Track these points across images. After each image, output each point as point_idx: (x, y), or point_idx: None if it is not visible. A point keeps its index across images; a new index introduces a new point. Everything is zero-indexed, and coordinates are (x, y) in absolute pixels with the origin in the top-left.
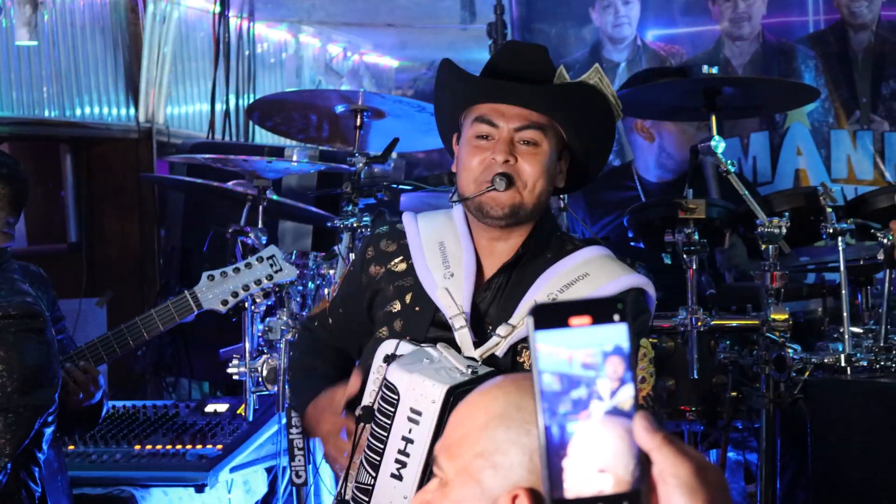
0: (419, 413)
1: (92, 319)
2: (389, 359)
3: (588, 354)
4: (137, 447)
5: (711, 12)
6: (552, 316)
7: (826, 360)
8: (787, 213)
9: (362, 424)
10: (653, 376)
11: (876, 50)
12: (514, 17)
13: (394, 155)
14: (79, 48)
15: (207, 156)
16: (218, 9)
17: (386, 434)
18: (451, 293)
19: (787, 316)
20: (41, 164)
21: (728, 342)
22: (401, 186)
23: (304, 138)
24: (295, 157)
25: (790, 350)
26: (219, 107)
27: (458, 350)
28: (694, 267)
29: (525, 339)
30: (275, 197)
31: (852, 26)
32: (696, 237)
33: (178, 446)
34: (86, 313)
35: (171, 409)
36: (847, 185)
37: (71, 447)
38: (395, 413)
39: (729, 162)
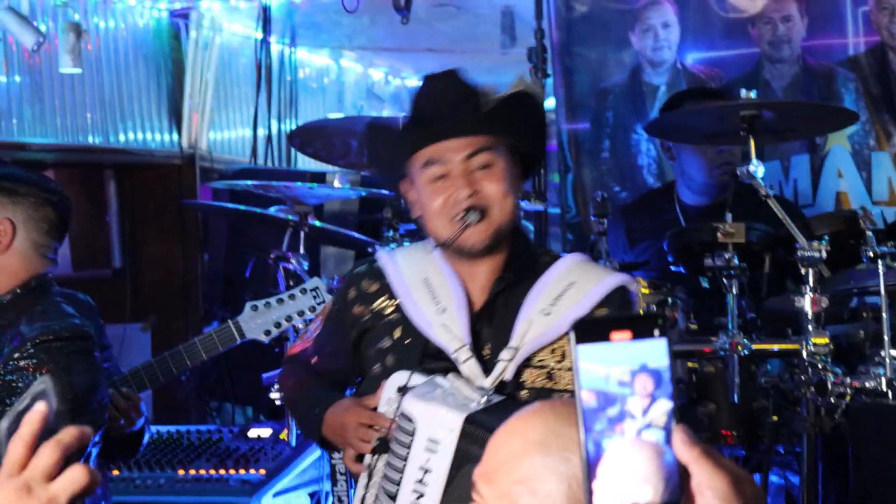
0: (437, 442)
1: (136, 345)
2: (403, 390)
3: (629, 368)
4: (181, 472)
5: (751, 35)
6: (594, 331)
7: (867, 385)
8: (826, 237)
9: (377, 455)
10: None
11: None
12: (554, 41)
13: None
14: (122, 75)
15: (249, 182)
16: (260, 35)
17: (403, 463)
18: (448, 328)
19: (827, 340)
20: (85, 190)
21: (769, 366)
22: None
23: (345, 164)
24: (336, 183)
25: (831, 374)
26: (261, 132)
27: (469, 381)
28: (734, 291)
29: (527, 359)
30: (317, 223)
31: (892, 48)
32: (736, 261)
33: (222, 471)
34: (130, 339)
35: (215, 434)
36: (888, 208)
37: (115, 472)
38: (412, 442)
39: (768, 185)
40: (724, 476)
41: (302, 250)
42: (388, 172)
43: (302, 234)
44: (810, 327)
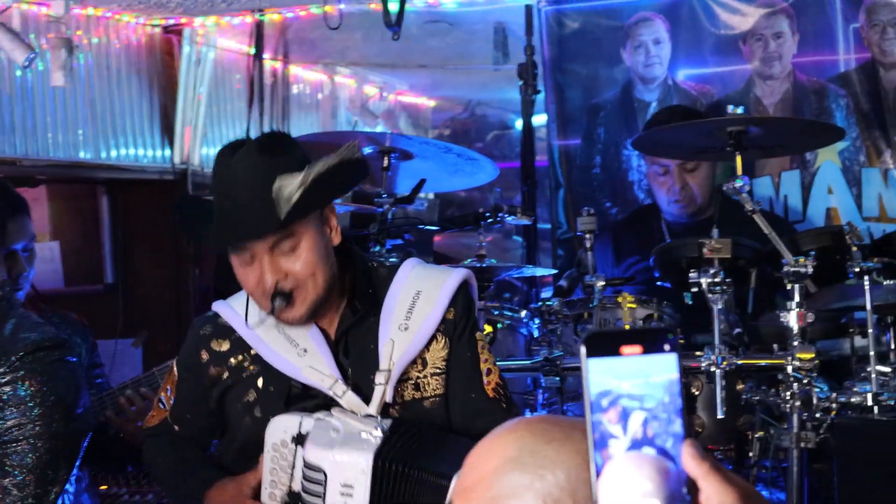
0: (350, 486)
1: (128, 360)
2: (299, 439)
3: (638, 383)
4: None
5: (742, 52)
6: (604, 344)
7: (853, 400)
8: (813, 252)
9: None
10: (496, 366)
11: None
12: (546, 57)
13: (430, 195)
14: (114, 90)
15: None
16: (253, 51)
17: None
18: (316, 368)
19: (813, 355)
20: (77, 205)
21: (755, 382)
22: (428, 227)
23: None
24: None
25: (817, 389)
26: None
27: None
28: (720, 306)
29: (401, 376)
30: None
31: (883, 65)
32: (722, 276)
33: None
34: (122, 354)
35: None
36: (878, 224)
37: (103, 487)
38: (325, 492)
39: (755, 201)
40: (734, 491)
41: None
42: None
43: None
44: (796, 342)
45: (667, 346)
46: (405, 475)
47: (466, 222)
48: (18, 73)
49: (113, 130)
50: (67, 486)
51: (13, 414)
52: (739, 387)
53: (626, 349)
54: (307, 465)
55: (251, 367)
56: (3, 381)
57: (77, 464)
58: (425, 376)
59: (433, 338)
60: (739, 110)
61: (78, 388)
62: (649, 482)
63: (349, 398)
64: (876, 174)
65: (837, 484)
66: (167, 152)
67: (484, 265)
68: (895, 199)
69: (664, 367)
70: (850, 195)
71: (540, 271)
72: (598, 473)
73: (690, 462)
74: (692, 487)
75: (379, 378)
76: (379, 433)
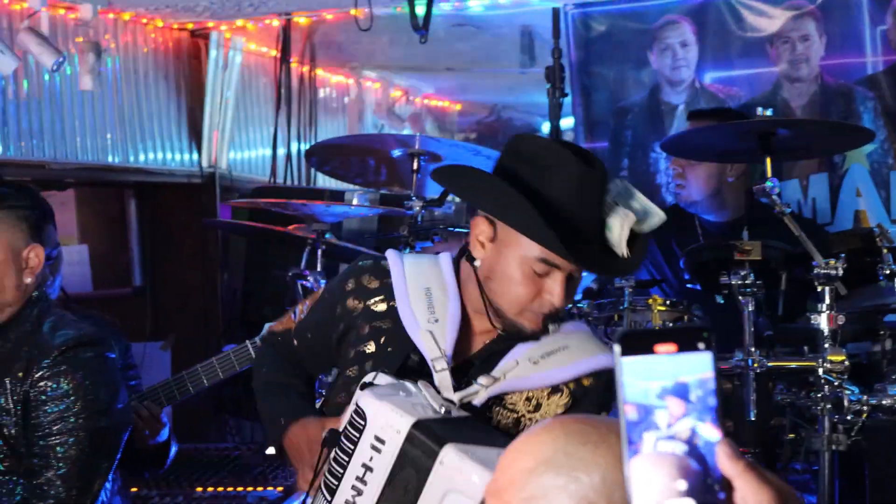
0: (382, 442)
1: (156, 363)
2: (365, 385)
3: (674, 381)
4: (199, 489)
5: (769, 54)
6: (638, 343)
7: (884, 402)
8: (843, 255)
9: (326, 449)
10: None
11: None
12: (573, 60)
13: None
14: (142, 95)
15: (267, 200)
16: (279, 54)
17: (348, 459)
18: (434, 336)
19: (843, 357)
20: (106, 209)
21: (785, 384)
22: (457, 230)
23: (363, 182)
24: (355, 201)
25: (848, 391)
26: (281, 151)
27: (438, 391)
28: (750, 308)
29: (500, 397)
30: (334, 240)
31: None
32: (752, 278)
33: (240, 488)
34: (150, 357)
35: (233, 452)
36: None
37: (134, 489)
38: (359, 439)
39: (785, 203)
40: (769, 490)
41: (320, 268)
42: (473, 200)
43: (320, 251)
44: (827, 345)
45: (701, 345)
46: (426, 445)
47: None
48: (47, 76)
49: (141, 134)
50: (106, 484)
51: (54, 408)
52: (770, 389)
53: (660, 348)
54: (356, 408)
55: (384, 321)
56: (44, 376)
57: (118, 458)
58: (531, 419)
59: (559, 390)
60: (768, 112)
61: (116, 383)
62: (684, 482)
63: (443, 377)
64: None
65: (869, 486)
66: (195, 156)
67: None
68: None
69: (699, 366)
70: (878, 197)
71: None
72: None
73: (725, 461)
74: (727, 487)
75: (483, 380)
76: (441, 410)
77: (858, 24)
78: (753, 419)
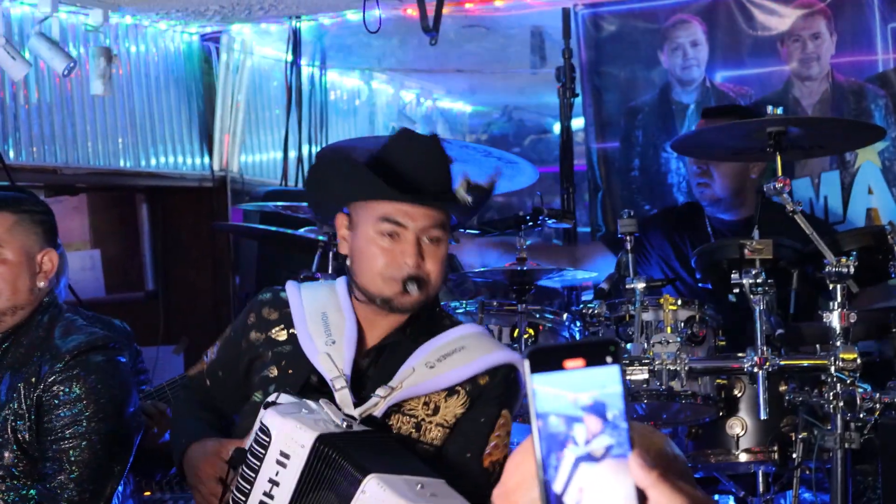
0: (287, 457)
1: (169, 366)
2: (268, 405)
3: (583, 396)
4: None
5: (780, 53)
6: (547, 359)
7: None
8: (854, 253)
9: (232, 469)
10: (507, 447)
11: None
12: (583, 60)
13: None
14: (153, 99)
15: (278, 203)
16: (290, 57)
17: (254, 475)
18: (332, 357)
19: (855, 355)
20: (118, 213)
21: (797, 382)
22: (467, 231)
23: None
24: None
25: (860, 390)
26: (292, 154)
27: (339, 408)
28: (761, 307)
29: (399, 405)
30: None
31: None
32: (764, 277)
33: None
34: (163, 361)
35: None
36: None
37: (147, 493)
38: (265, 455)
39: (796, 202)
40: (683, 499)
41: (331, 271)
42: (328, 202)
43: (331, 254)
44: (839, 343)
45: (609, 359)
46: (335, 462)
47: (507, 226)
48: (58, 82)
49: (152, 138)
50: (118, 487)
51: (67, 412)
52: (782, 388)
53: (568, 363)
54: (261, 426)
55: (284, 346)
56: (57, 380)
57: (130, 461)
58: (430, 423)
59: (455, 391)
60: (779, 111)
61: (128, 387)
62: (601, 495)
63: (343, 395)
64: None
65: (882, 484)
66: (206, 160)
67: (524, 269)
68: None
69: (607, 379)
70: (890, 195)
71: (580, 274)
72: (549, 489)
73: (638, 472)
74: (641, 497)
75: (380, 391)
76: (343, 425)
77: (869, 21)
78: (766, 418)
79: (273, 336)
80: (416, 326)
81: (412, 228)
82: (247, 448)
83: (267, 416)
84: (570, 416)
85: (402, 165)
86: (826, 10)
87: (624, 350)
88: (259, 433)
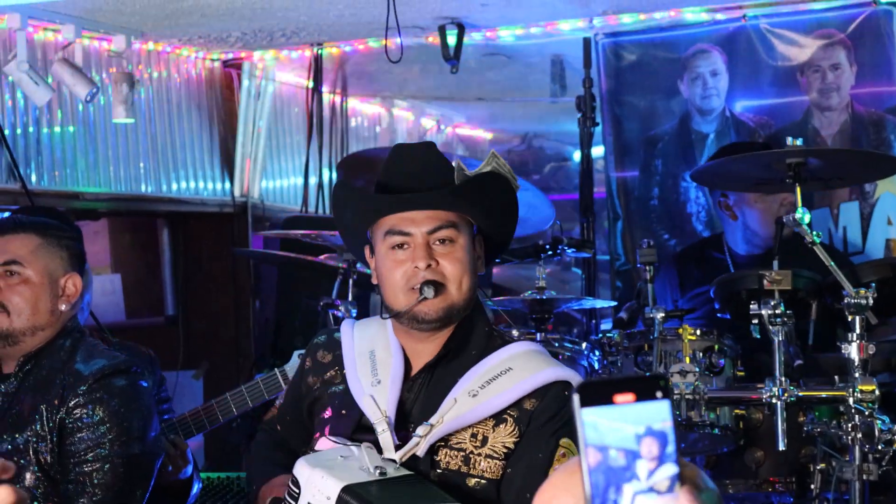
0: None
1: (189, 391)
2: (304, 453)
3: (633, 431)
4: None
5: (800, 83)
6: (597, 393)
7: None
8: (873, 284)
9: None
10: None
11: None
12: (603, 90)
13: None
14: (175, 124)
15: (298, 231)
16: (312, 84)
17: None
18: (375, 399)
19: (874, 387)
20: (139, 238)
21: (816, 413)
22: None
23: None
24: None
25: (879, 421)
26: (313, 180)
27: (381, 452)
28: (780, 338)
29: (445, 439)
30: (366, 270)
31: None
32: (782, 308)
33: None
34: (183, 385)
35: None
36: None
37: None
38: None
39: (815, 233)
40: None
41: (350, 297)
42: (352, 237)
43: (351, 281)
44: (857, 374)
45: (659, 393)
46: None
47: (526, 255)
48: (80, 107)
49: (174, 164)
50: None
51: (89, 435)
52: (801, 419)
53: (618, 398)
54: (292, 477)
55: (338, 387)
56: (79, 403)
57: (151, 485)
58: (479, 454)
59: (502, 420)
60: (798, 142)
61: (150, 411)
62: None
63: (385, 438)
64: None
65: None
66: (227, 185)
67: (543, 297)
68: None
69: (657, 414)
70: None
71: (599, 303)
72: None
73: None
74: None
75: (420, 430)
76: (375, 473)
77: (889, 52)
78: (784, 449)
79: (328, 378)
80: (459, 343)
81: (418, 234)
82: (282, 497)
83: (297, 467)
84: (619, 452)
85: (396, 178)
86: (846, 40)
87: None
88: (291, 484)
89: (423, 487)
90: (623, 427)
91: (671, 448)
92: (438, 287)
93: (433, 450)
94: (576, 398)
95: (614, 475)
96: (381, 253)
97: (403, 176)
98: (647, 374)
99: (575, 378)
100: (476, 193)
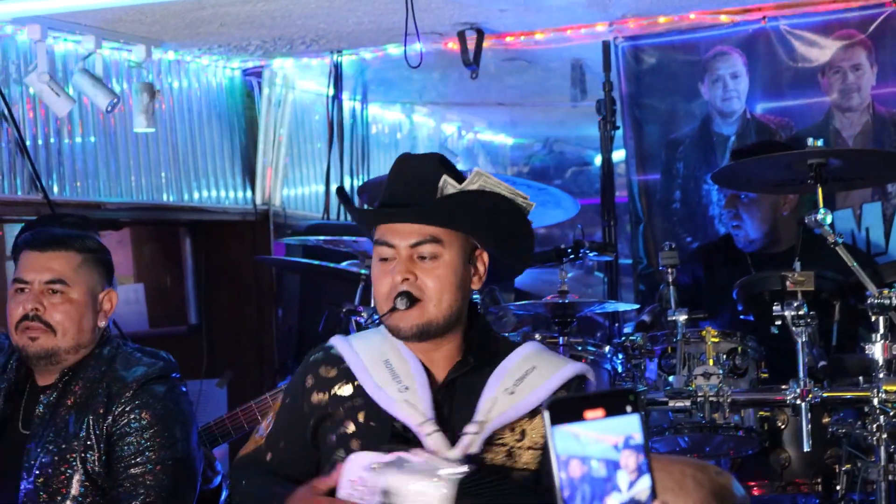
0: None
1: (213, 400)
2: (373, 468)
3: (604, 446)
4: None
5: (821, 84)
6: (567, 410)
7: None
8: None
9: None
10: None
11: None
12: (624, 93)
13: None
14: (196, 133)
15: (320, 238)
16: (332, 91)
17: None
18: (411, 404)
19: None
20: (161, 247)
21: (841, 414)
22: None
23: None
24: None
25: None
26: (334, 188)
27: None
28: (804, 339)
29: (492, 435)
30: None
31: None
32: (805, 309)
33: None
34: (206, 394)
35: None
36: None
37: None
38: None
39: (838, 233)
40: None
41: (373, 304)
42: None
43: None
44: (882, 374)
45: (628, 408)
46: None
47: (548, 259)
48: (101, 117)
49: (195, 173)
50: None
51: (138, 439)
52: (825, 420)
53: (589, 413)
54: (382, 490)
55: (355, 400)
56: (125, 410)
57: (198, 488)
58: (521, 447)
59: (535, 412)
60: (819, 143)
61: (191, 415)
62: None
63: (435, 438)
64: None
65: None
66: (249, 193)
67: (566, 301)
68: None
69: (628, 428)
70: None
71: (622, 306)
72: None
73: None
74: None
75: (470, 428)
76: (462, 468)
77: None
78: (809, 450)
79: (337, 393)
80: (477, 352)
81: (401, 247)
82: None
83: (389, 478)
84: (591, 467)
85: (391, 189)
86: (866, 41)
87: (644, 401)
88: (383, 497)
89: (502, 479)
90: (603, 438)
91: (644, 461)
92: (414, 300)
93: (483, 447)
94: (546, 416)
95: (586, 491)
96: (374, 261)
97: (399, 187)
98: (618, 388)
99: (589, 372)
100: (459, 211)
